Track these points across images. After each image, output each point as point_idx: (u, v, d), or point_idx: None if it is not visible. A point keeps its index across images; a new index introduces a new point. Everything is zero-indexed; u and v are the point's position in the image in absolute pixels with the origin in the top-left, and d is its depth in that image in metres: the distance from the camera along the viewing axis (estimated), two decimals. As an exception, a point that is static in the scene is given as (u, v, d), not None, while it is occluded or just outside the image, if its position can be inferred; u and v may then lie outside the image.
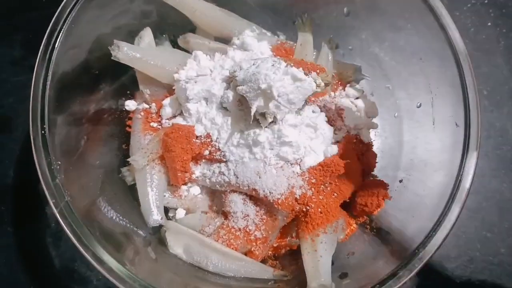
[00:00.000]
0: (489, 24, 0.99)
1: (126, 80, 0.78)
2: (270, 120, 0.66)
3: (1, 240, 0.84)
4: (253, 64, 0.66)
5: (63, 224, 0.57)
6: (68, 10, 0.63)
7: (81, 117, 0.70)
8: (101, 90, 0.75)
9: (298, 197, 0.68)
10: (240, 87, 0.65)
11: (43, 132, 0.59)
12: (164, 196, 0.73)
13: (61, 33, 0.62)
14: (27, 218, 0.84)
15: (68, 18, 0.63)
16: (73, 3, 0.64)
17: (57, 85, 0.63)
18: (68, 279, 0.81)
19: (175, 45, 0.82)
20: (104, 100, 0.76)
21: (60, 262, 0.82)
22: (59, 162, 0.60)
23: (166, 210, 0.75)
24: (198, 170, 0.72)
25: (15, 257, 0.83)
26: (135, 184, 0.73)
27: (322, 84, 0.67)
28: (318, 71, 0.68)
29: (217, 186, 0.72)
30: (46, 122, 0.60)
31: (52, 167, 0.59)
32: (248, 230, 0.69)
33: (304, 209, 0.69)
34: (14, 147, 0.87)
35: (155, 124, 0.76)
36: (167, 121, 0.76)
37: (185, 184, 0.74)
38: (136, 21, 0.78)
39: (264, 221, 0.69)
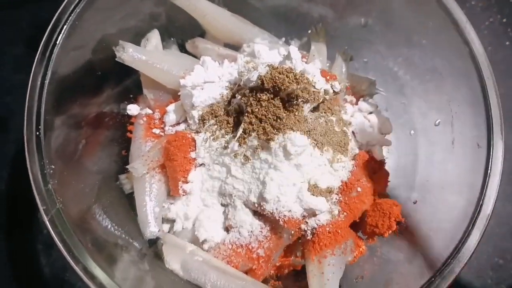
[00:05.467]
0: (507, 43, 0.96)
1: (129, 84, 0.75)
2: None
3: (-11, 245, 0.80)
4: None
5: (53, 233, 0.53)
6: (72, 7, 0.60)
7: (80, 119, 0.68)
8: (103, 93, 0.72)
9: (306, 214, 0.64)
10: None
11: (37, 133, 0.56)
12: (163, 206, 0.69)
13: (62, 32, 0.59)
14: (18, 223, 0.80)
15: (71, 16, 0.60)
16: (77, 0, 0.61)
17: (56, 85, 0.60)
18: (58, 289, 0.77)
19: (183, 49, 0.79)
20: (105, 103, 0.73)
21: (50, 272, 0.79)
22: (53, 166, 0.57)
23: (165, 221, 0.71)
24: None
25: (2, 264, 0.78)
26: (133, 192, 0.70)
27: (331, 90, 0.65)
28: (328, 77, 0.65)
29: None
30: (41, 123, 0.57)
31: (45, 172, 0.55)
32: (250, 248, 0.65)
33: (312, 228, 0.65)
34: (9, 148, 0.83)
35: (157, 131, 0.73)
36: (170, 128, 0.73)
37: (185, 194, 0.69)
38: (145, 23, 0.75)
39: (268, 238, 0.65)
